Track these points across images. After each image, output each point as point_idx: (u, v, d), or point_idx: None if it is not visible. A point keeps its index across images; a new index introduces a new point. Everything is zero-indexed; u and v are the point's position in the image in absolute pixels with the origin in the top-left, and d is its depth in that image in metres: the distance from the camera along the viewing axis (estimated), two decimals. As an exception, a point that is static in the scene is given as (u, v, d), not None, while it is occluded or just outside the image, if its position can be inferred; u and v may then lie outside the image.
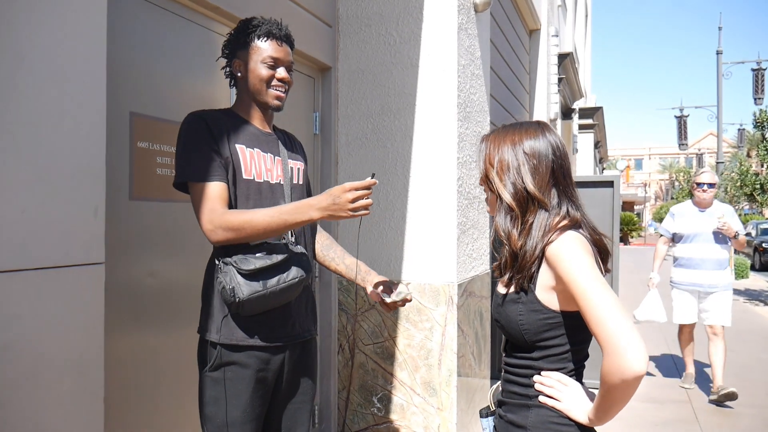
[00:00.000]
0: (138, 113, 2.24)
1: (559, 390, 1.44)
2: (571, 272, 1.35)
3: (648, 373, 5.94)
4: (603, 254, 1.52)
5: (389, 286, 2.08)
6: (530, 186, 1.47)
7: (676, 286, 5.41)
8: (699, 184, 5.30)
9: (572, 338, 1.45)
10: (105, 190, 1.74)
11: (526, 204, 1.48)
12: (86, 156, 1.68)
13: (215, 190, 1.83)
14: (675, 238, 5.47)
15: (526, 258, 1.44)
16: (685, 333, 5.49)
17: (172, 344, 2.41)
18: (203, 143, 1.86)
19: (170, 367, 2.40)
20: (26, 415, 1.51)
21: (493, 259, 4.30)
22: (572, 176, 1.55)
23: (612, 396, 1.31)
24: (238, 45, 1.98)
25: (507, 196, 1.49)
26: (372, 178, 1.73)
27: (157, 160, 2.32)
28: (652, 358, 6.60)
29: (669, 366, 6.36)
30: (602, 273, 1.48)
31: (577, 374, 1.49)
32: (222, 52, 2.04)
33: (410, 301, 2.05)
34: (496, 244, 1.58)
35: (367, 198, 1.72)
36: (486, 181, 1.56)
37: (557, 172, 1.50)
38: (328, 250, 2.22)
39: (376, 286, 2.09)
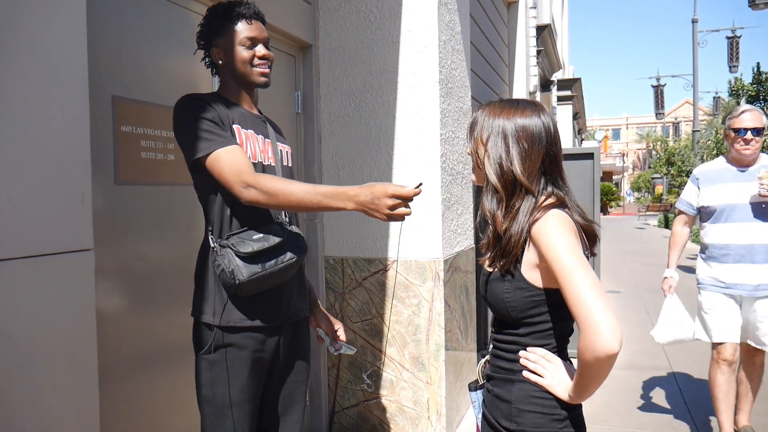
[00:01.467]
0: (120, 96, 2.21)
1: (543, 366, 1.47)
2: (552, 250, 1.37)
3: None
4: (591, 240, 1.53)
5: (331, 330, 2.22)
6: (518, 171, 1.46)
7: (706, 288, 3.46)
8: (738, 131, 3.36)
9: (556, 315, 1.46)
10: (91, 176, 1.73)
11: (512, 188, 1.48)
12: (71, 142, 1.66)
13: (237, 153, 1.82)
14: (702, 216, 3.53)
15: (512, 242, 1.45)
16: (723, 364, 3.41)
17: (164, 327, 2.42)
18: (209, 117, 1.85)
19: (163, 349, 2.41)
20: (22, 404, 1.51)
21: (477, 234, 4.34)
22: (561, 162, 1.54)
23: (587, 373, 1.34)
24: (211, 33, 1.99)
25: (493, 178, 1.48)
26: (418, 186, 1.67)
27: (142, 144, 2.30)
28: (630, 325, 6.74)
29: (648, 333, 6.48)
30: (587, 254, 1.50)
31: (561, 349, 1.51)
32: (197, 44, 2.05)
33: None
34: (482, 223, 1.59)
35: (407, 207, 1.67)
36: (475, 154, 1.54)
37: (547, 159, 1.49)
38: None
39: (320, 323, 2.23)
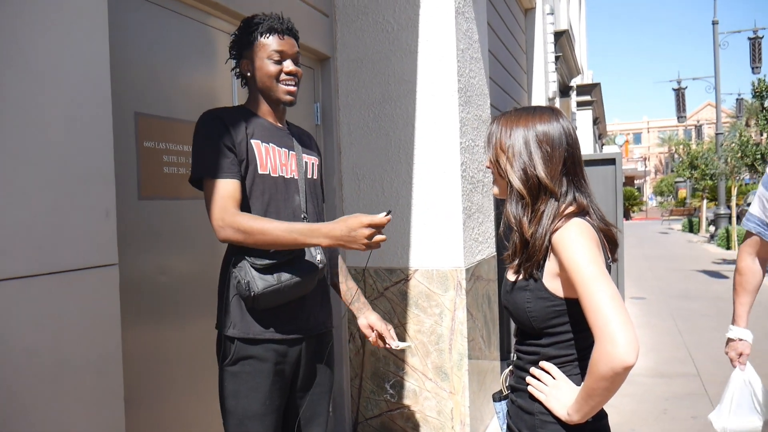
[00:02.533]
0: (142, 113, 2.24)
1: (544, 383, 1.46)
2: (571, 259, 1.35)
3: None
4: (611, 245, 1.52)
5: (385, 330, 2.17)
6: (542, 174, 1.45)
7: None
8: None
9: (578, 325, 1.43)
10: (115, 191, 1.75)
11: (537, 192, 1.47)
12: (95, 159, 1.69)
13: (227, 188, 1.84)
14: None
15: (535, 246, 1.44)
16: None
17: (188, 340, 2.43)
18: (218, 140, 1.86)
19: (186, 362, 2.43)
20: (49, 417, 1.53)
21: (498, 242, 4.32)
22: (582, 164, 1.54)
23: (597, 386, 1.29)
24: (243, 45, 1.98)
25: (518, 183, 1.48)
26: (388, 214, 1.74)
27: (164, 159, 2.33)
28: (657, 332, 6.65)
29: (676, 341, 6.39)
30: (609, 262, 1.48)
31: (583, 359, 1.47)
32: (229, 53, 2.04)
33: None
34: (506, 230, 1.59)
35: (381, 234, 1.74)
36: (496, 165, 1.54)
37: (569, 161, 1.49)
38: (334, 264, 2.25)
39: (371, 327, 2.18)
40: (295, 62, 2.00)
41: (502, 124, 1.53)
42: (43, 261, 1.53)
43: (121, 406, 1.73)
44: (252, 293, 1.80)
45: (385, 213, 1.73)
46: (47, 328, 1.53)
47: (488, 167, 1.58)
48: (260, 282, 1.81)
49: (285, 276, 1.85)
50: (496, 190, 1.60)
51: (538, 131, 1.48)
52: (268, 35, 1.94)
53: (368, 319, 2.18)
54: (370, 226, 1.70)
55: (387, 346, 2.16)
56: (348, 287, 2.24)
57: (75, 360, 1.60)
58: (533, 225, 1.46)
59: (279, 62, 1.95)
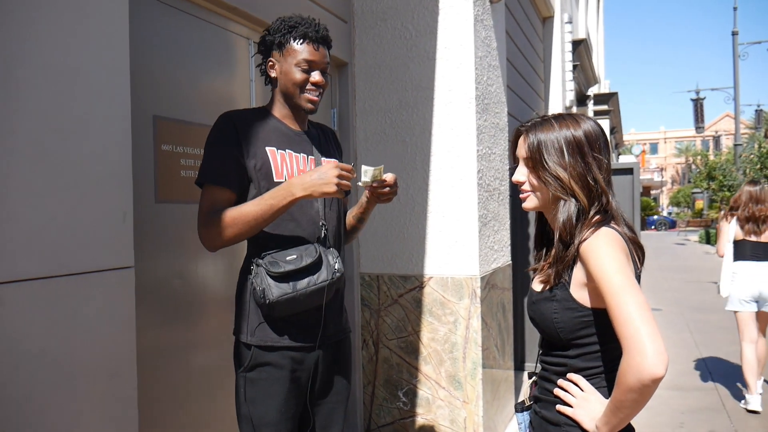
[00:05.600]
0: (161, 116, 2.25)
1: (573, 395, 1.43)
2: (600, 270, 1.33)
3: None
4: (640, 254, 1.49)
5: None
6: (600, 179, 1.44)
7: None
8: None
9: (605, 336, 1.40)
10: (132, 194, 1.75)
11: (592, 198, 1.45)
12: (113, 162, 1.69)
13: (218, 196, 1.85)
14: None
15: (567, 253, 1.42)
16: None
17: (202, 344, 2.43)
18: (223, 146, 1.86)
19: (201, 366, 2.42)
20: (63, 420, 1.52)
21: (515, 251, 4.29)
22: (611, 173, 1.52)
23: (626, 398, 1.27)
24: (273, 45, 1.94)
25: (578, 190, 1.44)
26: (352, 165, 1.84)
27: (181, 162, 2.33)
28: (672, 344, 6.56)
29: (692, 353, 6.31)
30: (638, 272, 1.45)
31: (610, 371, 1.44)
32: (258, 48, 2.01)
33: (385, 182, 1.97)
34: (539, 240, 1.58)
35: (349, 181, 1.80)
36: (542, 178, 1.48)
37: (604, 167, 1.48)
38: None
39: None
40: (323, 73, 1.96)
41: (545, 131, 1.48)
42: (59, 263, 1.53)
43: (134, 409, 1.73)
44: (267, 300, 1.79)
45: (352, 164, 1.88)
46: (62, 330, 1.53)
47: (519, 182, 1.53)
48: (276, 290, 1.80)
49: (301, 284, 1.83)
50: (533, 203, 1.54)
51: (589, 136, 1.46)
52: (301, 41, 1.91)
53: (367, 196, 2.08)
54: (339, 167, 1.77)
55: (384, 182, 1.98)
56: (353, 214, 2.19)
57: (89, 363, 1.59)
58: (583, 231, 1.42)
59: (307, 71, 1.92)
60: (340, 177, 1.75)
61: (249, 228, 1.81)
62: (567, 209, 1.45)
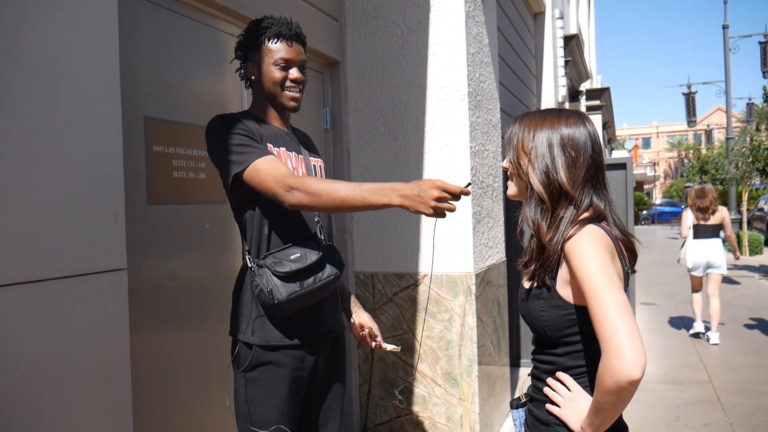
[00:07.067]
0: (152, 117, 2.23)
1: (560, 395, 1.43)
2: (582, 268, 1.31)
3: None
4: (630, 254, 1.48)
5: (377, 330, 2.19)
6: (564, 179, 1.42)
7: None
8: None
9: (591, 335, 1.36)
10: (124, 196, 1.74)
11: (558, 197, 1.43)
12: (104, 163, 1.68)
13: (277, 162, 1.81)
14: None
15: (549, 252, 1.41)
16: None
17: (196, 345, 2.42)
18: (241, 132, 1.84)
19: (195, 367, 2.41)
20: (57, 423, 1.52)
21: (509, 247, 4.29)
22: (605, 171, 1.50)
23: (604, 400, 1.26)
24: (249, 47, 1.96)
25: (539, 187, 1.44)
26: (467, 186, 1.67)
27: (173, 163, 2.32)
28: (667, 338, 6.59)
29: (687, 347, 6.33)
30: (628, 270, 1.45)
31: (596, 372, 1.45)
32: (235, 53, 2.03)
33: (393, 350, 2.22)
34: (521, 234, 1.56)
35: (452, 203, 1.65)
36: (516, 166, 1.49)
37: (592, 167, 1.45)
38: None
39: (361, 326, 2.18)
40: (301, 69, 1.98)
41: (525, 125, 1.49)
42: (50, 266, 1.52)
43: (129, 411, 1.72)
44: (275, 301, 1.78)
45: (465, 185, 1.67)
46: (55, 333, 1.52)
47: (505, 168, 1.53)
48: (284, 289, 1.79)
49: (308, 281, 1.84)
50: (512, 190, 1.55)
51: (564, 134, 1.44)
52: (275, 41, 1.93)
53: (359, 318, 2.17)
54: (441, 189, 1.62)
55: (375, 345, 2.14)
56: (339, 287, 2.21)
57: (83, 365, 1.58)
58: (551, 231, 1.42)
59: (285, 69, 1.94)
60: (438, 200, 1.62)
61: (332, 205, 1.72)
62: (533, 205, 1.46)
